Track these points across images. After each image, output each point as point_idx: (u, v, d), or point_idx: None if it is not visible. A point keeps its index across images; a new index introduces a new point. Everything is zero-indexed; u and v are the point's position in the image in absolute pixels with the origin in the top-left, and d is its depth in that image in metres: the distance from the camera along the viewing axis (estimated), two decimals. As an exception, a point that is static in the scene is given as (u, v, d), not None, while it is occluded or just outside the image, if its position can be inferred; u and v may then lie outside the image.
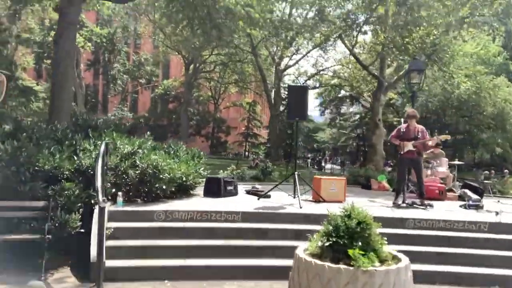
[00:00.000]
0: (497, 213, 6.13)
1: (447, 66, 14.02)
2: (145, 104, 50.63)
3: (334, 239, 3.79)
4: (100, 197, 4.37)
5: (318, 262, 3.64)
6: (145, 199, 6.47)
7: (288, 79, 33.45)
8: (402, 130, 7.69)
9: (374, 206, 7.32)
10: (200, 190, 7.83)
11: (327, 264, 3.59)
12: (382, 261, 3.74)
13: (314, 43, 21.04)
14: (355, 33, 16.69)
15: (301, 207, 6.49)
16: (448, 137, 7.97)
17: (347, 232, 3.79)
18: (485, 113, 20.84)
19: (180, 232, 5.56)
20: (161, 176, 6.36)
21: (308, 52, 29.42)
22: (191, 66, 38.90)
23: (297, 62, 31.80)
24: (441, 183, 9.40)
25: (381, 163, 17.53)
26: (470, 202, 7.67)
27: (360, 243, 3.73)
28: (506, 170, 19.23)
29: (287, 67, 31.21)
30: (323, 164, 33.44)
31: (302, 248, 3.98)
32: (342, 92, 36.14)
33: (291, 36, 19.88)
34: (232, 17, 18.03)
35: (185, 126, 40.35)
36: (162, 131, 46.33)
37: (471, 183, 10.05)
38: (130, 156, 6.47)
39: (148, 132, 8.56)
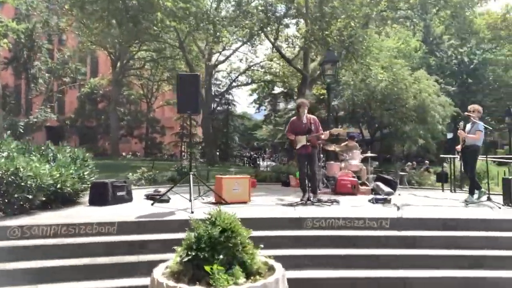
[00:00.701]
0: (398, 208, 5.80)
1: (363, 58, 13.99)
2: (71, 105, 47.57)
3: (194, 253, 3.13)
4: None
5: (171, 284, 2.96)
6: (5, 212, 5.45)
7: (221, 76, 32.73)
8: (294, 122, 7.33)
9: (278, 205, 6.80)
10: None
11: (180, 285, 2.92)
12: (253, 274, 3.14)
13: (239, 37, 20.45)
14: (275, 26, 16.30)
15: (192, 212, 5.78)
16: (341, 130, 7.80)
17: (209, 243, 3.14)
18: (407, 106, 21.39)
19: (36, 252, 4.63)
20: (22, 184, 5.37)
21: (238, 48, 28.91)
22: (118, 63, 37.11)
23: (227, 58, 31.09)
24: (354, 177, 9.11)
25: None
26: (379, 196, 7.37)
27: (223, 256, 3.10)
28: (426, 161, 19.79)
29: (218, 63, 30.42)
30: (259, 162, 33.06)
31: (165, 265, 3.30)
32: (277, 89, 36.11)
33: (214, 29, 19.12)
34: (151, 8, 17.01)
35: (115, 127, 38.32)
36: (91, 133, 43.84)
37: (384, 175, 9.90)
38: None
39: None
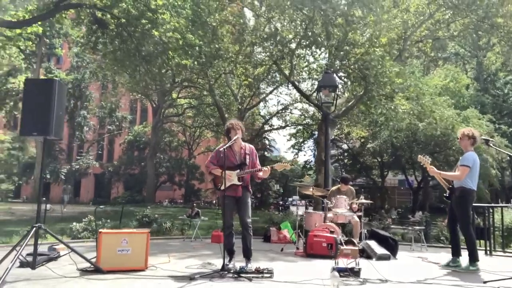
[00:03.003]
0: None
1: (381, 87, 11.63)
2: (115, 152, 48.39)
3: None
4: None
5: None
6: None
7: (251, 118, 31.19)
8: (222, 152, 5.13)
9: (173, 278, 4.59)
10: None
11: None
12: None
13: (257, 74, 18.88)
14: (288, 58, 14.52)
15: None
16: (287, 165, 5.37)
17: None
18: (454, 148, 18.25)
19: None
20: None
21: (272, 91, 27.49)
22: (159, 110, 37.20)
23: (260, 101, 29.69)
24: (333, 232, 6.63)
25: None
26: (342, 266, 4.93)
27: None
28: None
29: (251, 106, 29.03)
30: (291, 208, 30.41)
31: None
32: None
33: (227, 66, 17.76)
34: (162, 48, 15.97)
35: (152, 174, 37.81)
36: (134, 180, 43.69)
37: (379, 231, 7.31)
38: None
39: None
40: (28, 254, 5.48)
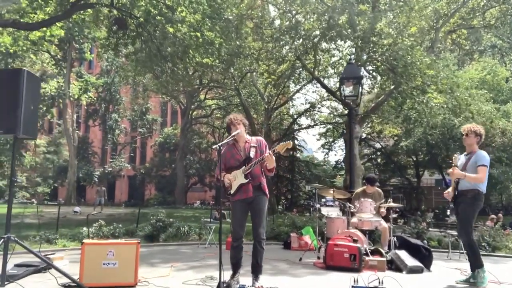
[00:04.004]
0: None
1: (411, 79, 10.69)
2: (147, 154, 48.86)
3: None
4: None
5: None
6: None
7: (279, 118, 30.52)
8: (226, 153, 4.50)
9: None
10: None
11: None
12: None
13: (280, 73, 18.26)
14: (312, 53, 13.77)
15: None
16: (289, 144, 4.43)
17: None
18: (493, 145, 16.92)
19: None
20: None
21: (299, 89, 26.79)
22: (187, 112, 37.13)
23: (288, 100, 29.04)
24: (356, 241, 5.86)
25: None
26: (362, 285, 4.20)
27: None
28: (499, 214, 14.76)
29: (278, 105, 28.39)
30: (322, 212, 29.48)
31: None
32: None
33: (249, 63, 17.19)
34: (183, 47, 15.60)
35: (181, 176, 37.79)
36: (165, 182, 43.87)
37: (410, 239, 6.48)
38: None
39: None
40: (16, 265, 5.09)
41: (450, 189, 5.15)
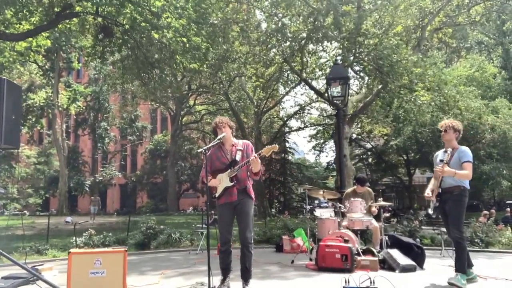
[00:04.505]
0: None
1: (397, 77, 10.76)
2: (138, 162, 48.59)
3: None
4: None
5: None
6: None
7: (269, 121, 30.50)
8: (212, 155, 4.48)
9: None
10: None
11: None
12: None
13: (268, 76, 18.26)
14: (299, 54, 13.80)
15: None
16: (275, 147, 4.39)
17: None
18: (483, 141, 17.07)
19: None
20: None
21: (288, 91, 26.84)
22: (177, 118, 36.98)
23: (276, 103, 29.04)
24: (347, 240, 5.85)
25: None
26: (352, 286, 4.18)
27: None
28: (507, 209, 14.94)
29: (268, 108, 28.38)
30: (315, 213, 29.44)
31: None
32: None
33: (237, 67, 17.21)
34: (169, 53, 15.51)
35: (173, 182, 37.63)
36: (157, 189, 43.63)
37: (402, 237, 6.48)
38: None
39: None
40: (3, 278, 4.99)
41: (429, 189, 5.02)
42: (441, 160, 4.77)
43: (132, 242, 9.07)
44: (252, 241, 4.44)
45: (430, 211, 4.98)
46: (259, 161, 4.26)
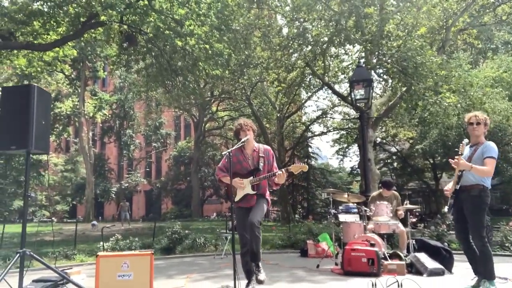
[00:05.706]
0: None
1: (423, 80, 10.57)
2: (163, 168, 49.21)
3: None
4: None
5: None
6: None
7: (291, 126, 30.44)
8: (232, 157, 4.38)
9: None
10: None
11: None
12: None
13: (290, 81, 18.26)
14: (321, 59, 13.75)
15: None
16: (305, 167, 4.39)
17: None
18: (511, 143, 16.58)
19: None
20: None
21: (310, 96, 26.74)
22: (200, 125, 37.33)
23: (299, 108, 28.99)
24: (373, 244, 5.75)
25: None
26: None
27: None
28: None
29: (290, 113, 28.36)
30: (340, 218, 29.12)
31: None
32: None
33: (259, 73, 17.27)
34: (192, 60, 15.73)
35: (197, 188, 37.90)
36: (181, 195, 44.05)
37: (429, 240, 6.33)
38: None
39: None
40: (34, 281, 5.12)
41: (450, 184, 4.60)
42: (456, 152, 4.37)
43: (158, 247, 9.17)
44: (260, 226, 4.33)
45: (446, 209, 4.65)
46: (286, 175, 4.27)
